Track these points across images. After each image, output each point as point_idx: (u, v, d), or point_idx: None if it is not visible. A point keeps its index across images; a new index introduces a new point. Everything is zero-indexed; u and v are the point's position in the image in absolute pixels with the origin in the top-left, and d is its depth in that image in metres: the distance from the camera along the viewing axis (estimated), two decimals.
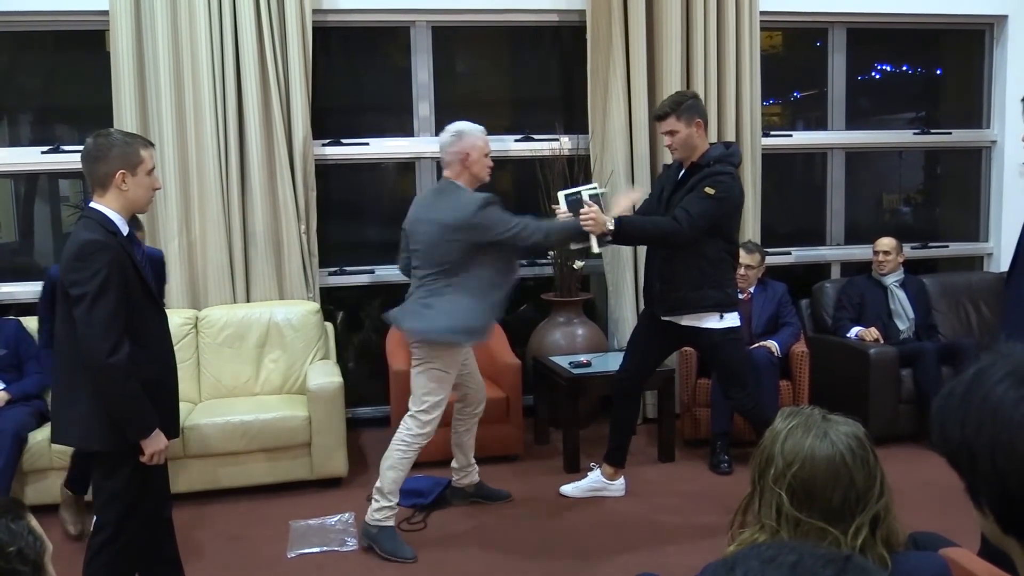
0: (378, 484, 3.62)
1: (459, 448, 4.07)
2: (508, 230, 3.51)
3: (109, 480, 2.72)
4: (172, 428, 2.84)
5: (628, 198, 3.89)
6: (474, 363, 3.96)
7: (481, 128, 3.69)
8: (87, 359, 2.56)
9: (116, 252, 2.58)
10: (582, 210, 3.53)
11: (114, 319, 2.54)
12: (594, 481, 4.18)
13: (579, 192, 3.65)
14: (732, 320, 3.80)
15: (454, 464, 4.10)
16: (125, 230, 2.69)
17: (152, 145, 2.79)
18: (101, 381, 2.58)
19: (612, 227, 3.53)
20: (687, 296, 3.74)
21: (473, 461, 4.11)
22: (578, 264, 5.08)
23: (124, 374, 2.56)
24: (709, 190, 3.62)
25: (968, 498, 1.02)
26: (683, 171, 3.78)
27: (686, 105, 3.70)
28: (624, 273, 5.18)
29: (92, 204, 2.67)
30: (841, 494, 1.47)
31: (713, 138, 5.12)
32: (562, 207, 3.66)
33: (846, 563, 0.78)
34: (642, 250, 4.10)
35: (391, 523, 3.62)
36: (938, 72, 6.48)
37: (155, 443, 2.68)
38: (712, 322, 3.77)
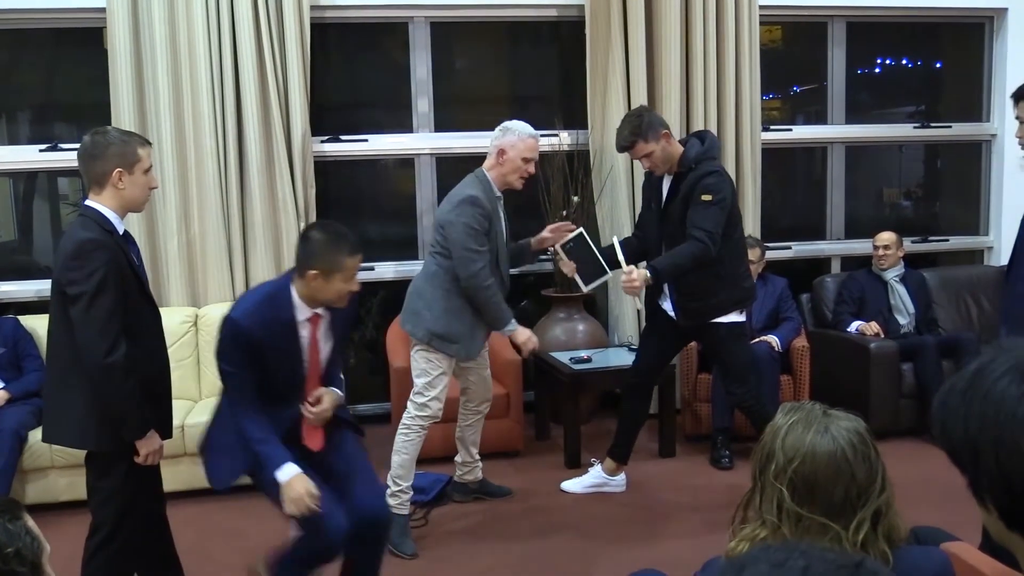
0: (389, 471, 3.65)
1: (461, 443, 4.06)
2: (467, 247, 3.50)
3: (104, 480, 2.72)
4: (166, 429, 2.82)
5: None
6: (482, 361, 3.93)
7: (531, 131, 3.68)
8: (85, 359, 2.55)
9: (113, 251, 2.57)
10: (623, 280, 3.53)
11: (111, 318, 2.53)
12: (595, 477, 4.18)
13: (571, 241, 3.75)
14: (739, 315, 3.82)
15: (457, 459, 4.09)
16: (122, 228, 2.68)
17: (149, 144, 2.78)
18: (99, 381, 2.56)
19: (651, 278, 3.53)
20: (707, 304, 3.73)
21: (477, 458, 4.10)
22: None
23: (122, 374, 2.55)
24: (706, 197, 3.59)
25: (970, 493, 1.02)
26: (670, 180, 3.75)
27: (646, 124, 3.64)
28: None
29: (88, 202, 2.65)
30: (842, 489, 1.47)
31: (713, 131, 5.11)
32: (564, 258, 3.75)
33: (857, 570, 0.76)
34: None
35: (404, 511, 3.64)
36: (938, 65, 6.47)
37: (150, 443, 2.68)
38: (732, 317, 3.78)
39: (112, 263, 2.55)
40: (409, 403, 3.68)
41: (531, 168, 3.68)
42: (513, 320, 3.66)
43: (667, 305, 3.86)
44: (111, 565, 2.73)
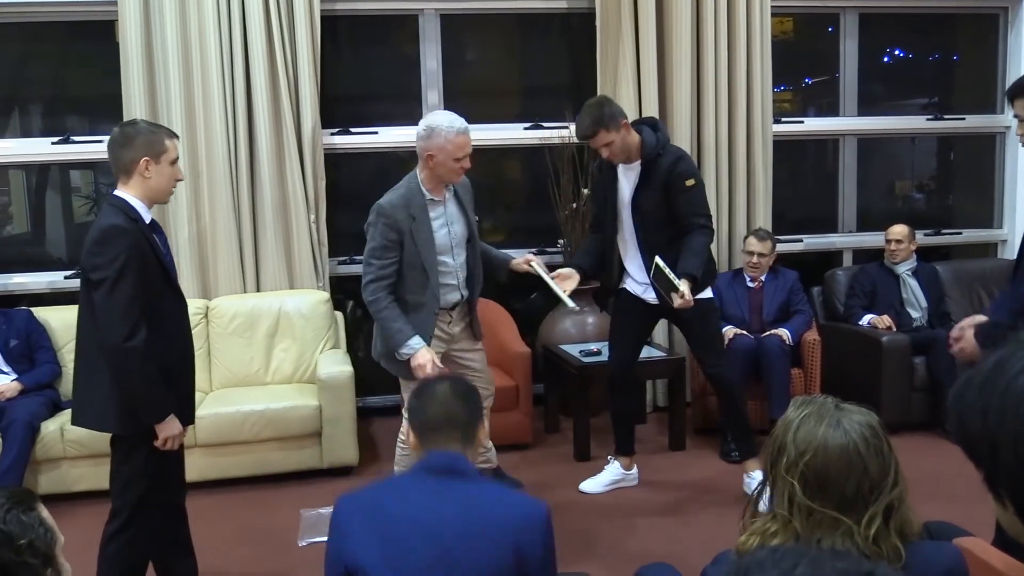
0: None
1: None
2: (366, 262, 3.39)
3: (125, 465, 2.76)
4: (188, 415, 2.88)
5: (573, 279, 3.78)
6: (476, 358, 3.78)
7: (459, 125, 3.34)
8: (105, 342, 2.61)
9: (136, 237, 2.63)
10: (679, 305, 3.52)
11: (132, 303, 2.59)
12: (614, 474, 4.16)
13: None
14: (709, 291, 3.93)
15: None
16: (148, 217, 2.73)
17: (176, 136, 2.84)
18: (118, 364, 2.62)
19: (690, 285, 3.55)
20: (697, 283, 3.72)
21: (488, 444, 3.98)
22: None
23: (141, 358, 2.60)
24: (690, 182, 3.69)
25: (985, 488, 1.01)
26: (636, 169, 3.75)
27: (607, 114, 3.61)
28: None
29: (116, 192, 2.73)
30: (854, 483, 1.46)
31: (724, 123, 5.11)
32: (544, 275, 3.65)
33: None
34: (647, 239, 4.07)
35: None
36: (954, 58, 6.42)
37: (169, 428, 2.72)
38: (706, 292, 3.86)
39: (134, 249, 2.61)
40: (403, 419, 3.60)
41: (466, 163, 3.39)
42: (411, 342, 3.35)
43: (649, 294, 3.83)
44: (128, 549, 2.77)
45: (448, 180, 3.45)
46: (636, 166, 3.74)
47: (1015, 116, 2.71)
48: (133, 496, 2.74)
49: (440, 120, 3.37)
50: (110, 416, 2.71)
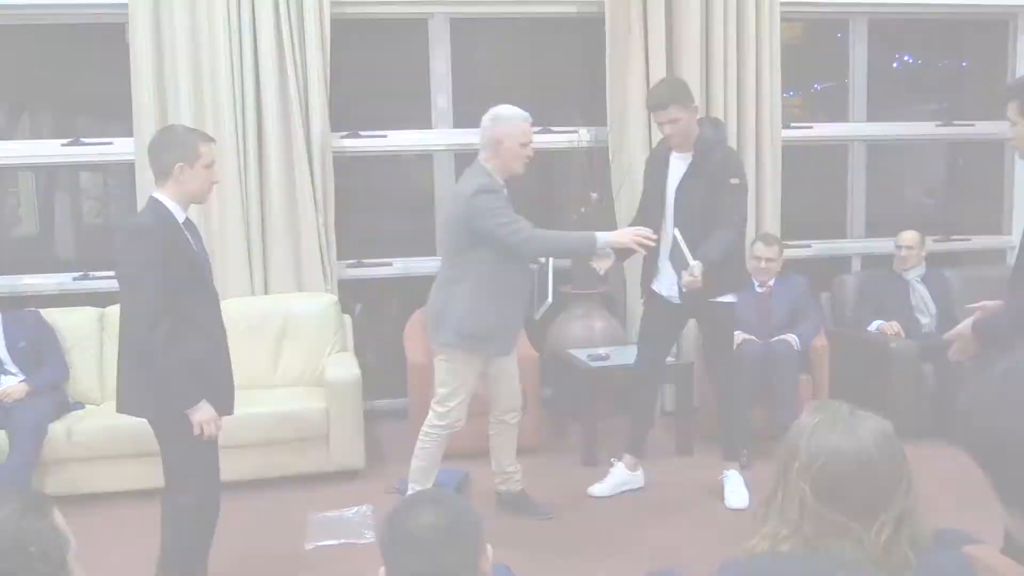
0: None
1: (492, 452, 3.90)
2: (500, 224, 3.39)
3: (170, 453, 2.90)
4: (225, 405, 2.99)
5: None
6: (508, 368, 3.75)
7: (524, 115, 3.53)
8: (129, 332, 2.76)
9: (162, 235, 2.75)
10: (686, 282, 3.49)
11: (154, 296, 2.71)
12: (621, 476, 4.15)
13: None
14: (733, 296, 3.94)
15: (492, 467, 3.96)
16: (181, 217, 2.86)
17: (212, 140, 2.96)
18: (141, 353, 2.76)
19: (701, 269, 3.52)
20: (721, 278, 3.73)
21: (510, 470, 3.89)
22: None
23: (162, 347, 2.72)
24: (735, 180, 3.71)
25: (994, 496, 1.00)
26: (687, 158, 3.77)
27: (684, 92, 3.71)
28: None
29: (153, 193, 2.87)
30: (866, 491, 1.45)
31: (733, 128, 5.10)
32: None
33: None
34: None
35: None
36: (964, 64, 6.40)
37: (200, 413, 2.81)
38: (729, 297, 3.88)
39: (159, 246, 2.72)
40: (430, 410, 3.63)
41: (529, 151, 3.53)
42: (597, 235, 3.51)
43: (672, 291, 3.85)
44: (186, 513, 2.91)
45: (514, 168, 3.52)
46: (688, 156, 3.78)
47: (1007, 118, 2.65)
48: (186, 472, 2.88)
49: (504, 109, 3.53)
50: (147, 401, 2.85)
